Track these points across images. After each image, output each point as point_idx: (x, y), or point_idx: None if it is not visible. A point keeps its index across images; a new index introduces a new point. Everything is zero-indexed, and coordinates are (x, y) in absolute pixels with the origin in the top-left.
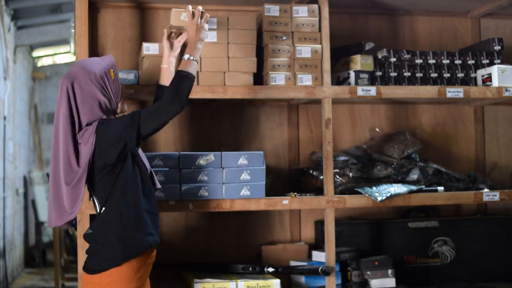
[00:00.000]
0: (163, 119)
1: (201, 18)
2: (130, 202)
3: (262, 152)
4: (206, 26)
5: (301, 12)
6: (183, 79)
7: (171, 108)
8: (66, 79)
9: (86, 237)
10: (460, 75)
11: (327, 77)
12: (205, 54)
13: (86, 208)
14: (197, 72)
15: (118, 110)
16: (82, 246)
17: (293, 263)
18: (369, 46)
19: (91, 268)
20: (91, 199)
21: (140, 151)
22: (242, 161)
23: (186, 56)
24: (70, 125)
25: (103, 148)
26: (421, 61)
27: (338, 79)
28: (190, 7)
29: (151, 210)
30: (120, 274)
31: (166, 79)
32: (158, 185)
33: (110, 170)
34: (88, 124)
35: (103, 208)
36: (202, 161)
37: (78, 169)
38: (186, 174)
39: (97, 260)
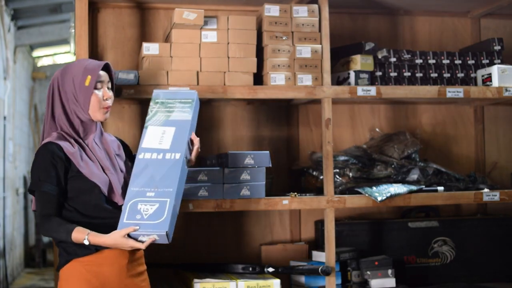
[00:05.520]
0: (37, 212)
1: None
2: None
3: (268, 152)
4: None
5: (301, 12)
6: (63, 235)
7: (41, 225)
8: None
9: None
10: (460, 75)
11: (327, 77)
12: (205, 54)
13: None
14: (197, 72)
15: (94, 119)
16: None
17: (293, 263)
18: (369, 46)
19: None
20: None
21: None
22: (249, 160)
23: (86, 241)
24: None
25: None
26: (421, 61)
27: (338, 79)
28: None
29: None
30: (69, 272)
31: None
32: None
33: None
34: (52, 125)
35: None
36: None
37: None
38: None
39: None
